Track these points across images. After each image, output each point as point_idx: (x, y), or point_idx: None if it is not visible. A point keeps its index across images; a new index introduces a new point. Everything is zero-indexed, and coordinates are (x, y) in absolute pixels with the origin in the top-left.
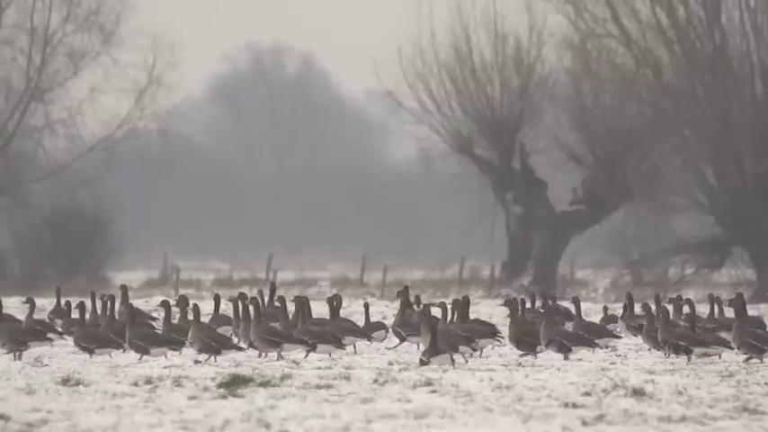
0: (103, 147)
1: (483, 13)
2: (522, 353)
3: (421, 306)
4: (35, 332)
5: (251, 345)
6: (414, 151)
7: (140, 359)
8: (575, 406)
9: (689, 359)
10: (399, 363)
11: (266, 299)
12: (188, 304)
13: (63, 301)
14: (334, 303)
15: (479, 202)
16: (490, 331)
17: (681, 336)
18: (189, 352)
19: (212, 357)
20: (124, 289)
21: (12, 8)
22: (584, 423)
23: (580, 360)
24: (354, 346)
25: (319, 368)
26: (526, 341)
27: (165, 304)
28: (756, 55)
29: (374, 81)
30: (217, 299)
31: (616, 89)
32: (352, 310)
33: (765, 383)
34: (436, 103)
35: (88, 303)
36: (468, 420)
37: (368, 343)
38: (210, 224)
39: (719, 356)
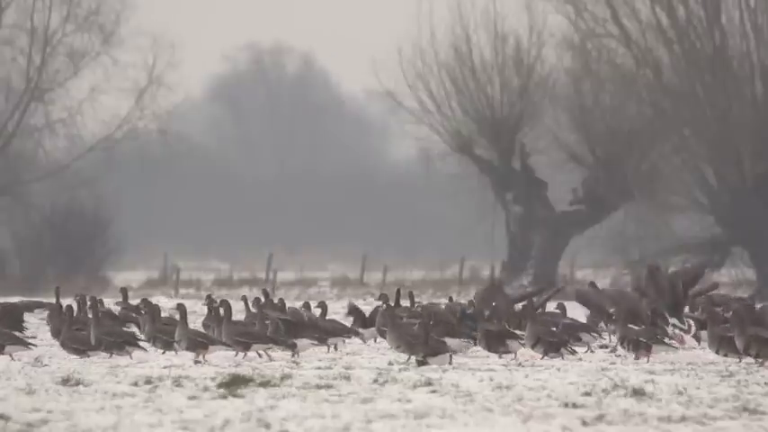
0: (103, 147)
1: (483, 13)
2: (495, 354)
3: (383, 305)
4: (11, 336)
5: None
6: (414, 151)
7: (111, 356)
8: (575, 406)
9: (646, 356)
10: (399, 363)
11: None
12: (159, 310)
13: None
14: (319, 308)
15: (479, 202)
16: (467, 334)
17: (640, 333)
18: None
19: (202, 356)
20: (124, 291)
21: (12, 8)
22: (584, 423)
23: (580, 360)
24: (341, 343)
25: (319, 368)
26: (497, 341)
27: (146, 303)
28: (756, 55)
29: (374, 81)
30: (209, 300)
31: (616, 89)
32: None
33: (765, 383)
34: (436, 103)
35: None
36: (468, 420)
37: (359, 342)
38: (210, 224)
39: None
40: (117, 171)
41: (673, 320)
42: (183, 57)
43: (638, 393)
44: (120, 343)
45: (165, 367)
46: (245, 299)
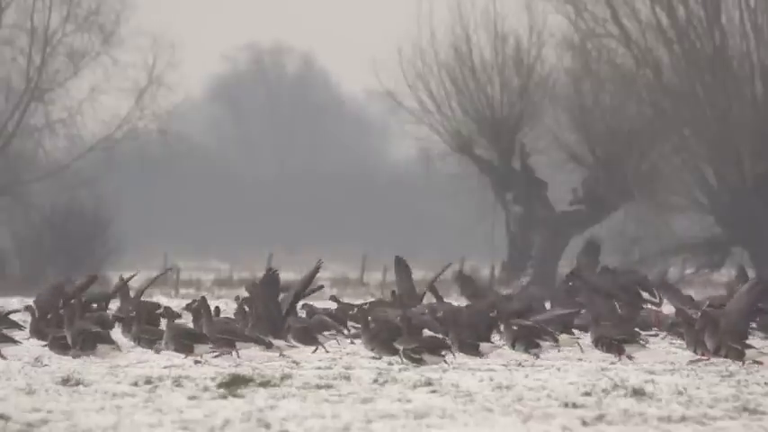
0: (103, 147)
1: (483, 13)
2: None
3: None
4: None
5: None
6: (414, 151)
7: (103, 358)
8: (575, 406)
9: (620, 356)
10: (399, 363)
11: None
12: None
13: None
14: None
15: (479, 202)
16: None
17: (613, 332)
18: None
19: (202, 355)
20: (123, 285)
21: (12, 8)
22: (584, 423)
23: (580, 360)
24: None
25: (319, 368)
26: (468, 344)
27: (128, 303)
28: (756, 55)
29: (374, 81)
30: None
31: (616, 89)
32: None
33: (765, 383)
34: (436, 103)
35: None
36: (468, 420)
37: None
38: (210, 224)
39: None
40: (117, 171)
41: (645, 294)
42: (183, 57)
43: (638, 393)
44: (90, 341)
45: (165, 367)
46: (237, 298)
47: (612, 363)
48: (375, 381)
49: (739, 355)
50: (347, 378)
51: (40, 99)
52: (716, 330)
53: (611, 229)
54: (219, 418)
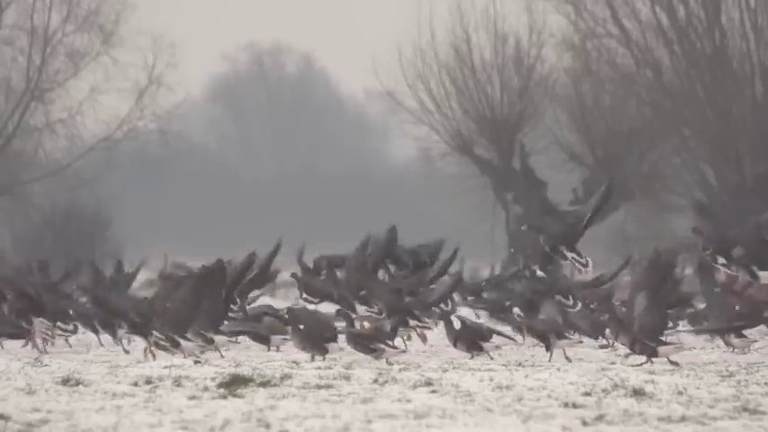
0: (103, 147)
1: (483, 13)
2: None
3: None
4: None
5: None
6: (414, 151)
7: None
8: (575, 406)
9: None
10: (399, 363)
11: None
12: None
13: None
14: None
15: (479, 202)
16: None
17: (545, 328)
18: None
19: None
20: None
21: (12, 8)
22: (585, 423)
23: (580, 360)
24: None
25: (319, 368)
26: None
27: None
28: (756, 55)
29: (374, 81)
30: None
31: (616, 89)
32: None
33: (765, 383)
34: (436, 102)
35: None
36: (468, 420)
37: None
38: (210, 224)
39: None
40: (117, 171)
41: (571, 255)
42: (183, 57)
43: (638, 393)
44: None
45: (165, 367)
46: None
47: (612, 363)
48: (375, 381)
49: (651, 352)
50: (347, 378)
51: (40, 99)
52: (626, 328)
53: (611, 229)
54: (219, 418)
